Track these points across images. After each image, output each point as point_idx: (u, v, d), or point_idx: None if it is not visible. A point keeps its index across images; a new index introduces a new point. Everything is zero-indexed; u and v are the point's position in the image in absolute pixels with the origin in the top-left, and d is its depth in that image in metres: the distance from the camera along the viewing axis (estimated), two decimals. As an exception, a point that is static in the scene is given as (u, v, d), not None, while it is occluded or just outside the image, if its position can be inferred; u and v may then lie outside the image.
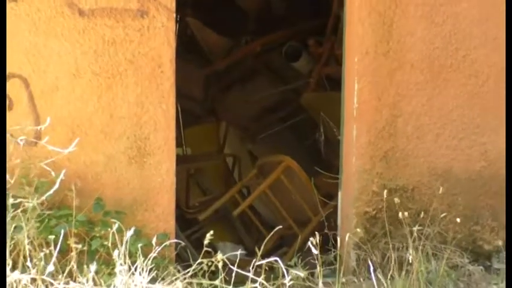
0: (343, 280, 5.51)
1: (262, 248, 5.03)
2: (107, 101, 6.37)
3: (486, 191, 6.57)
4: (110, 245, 4.88)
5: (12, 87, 6.31)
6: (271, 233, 5.36)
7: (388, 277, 5.28)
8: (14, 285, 4.52)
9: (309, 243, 5.28)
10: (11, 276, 4.54)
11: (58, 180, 5.19)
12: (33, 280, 4.56)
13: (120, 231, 4.92)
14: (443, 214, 6.13)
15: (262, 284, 4.81)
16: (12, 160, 5.33)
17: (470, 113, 6.69)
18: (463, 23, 6.67)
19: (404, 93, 6.68)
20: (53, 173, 5.31)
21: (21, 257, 4.70)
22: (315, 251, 5.17)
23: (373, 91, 6.67)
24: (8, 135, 5.83)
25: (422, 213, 6.01)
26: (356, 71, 6.69)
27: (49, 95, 6.33)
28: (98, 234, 5.54)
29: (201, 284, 4.96)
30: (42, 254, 4.69)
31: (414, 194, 6.40)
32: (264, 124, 8.28)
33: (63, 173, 5.32)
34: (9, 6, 6.29)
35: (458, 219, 6.19)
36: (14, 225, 4.94)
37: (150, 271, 4.79)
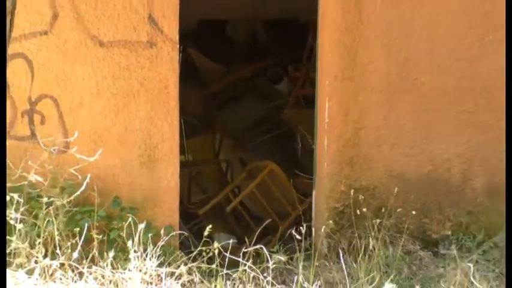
0: (317, 263, 5.48)
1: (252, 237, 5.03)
2: (123, 117, 6.35)
3: (433, 189, 6.55)
4: (125, 235, 4.84)
5: (45, 106, 6.30)
6: (260, 228, 5.34)
7: (354, 261, 5.23)
8: (46, 269, 4.45)
9: (290, 232, 5.28)
10: (43, 262, 4.50)
11: (84, 183, 5.16)
12: (62, 265, 4.53)
13: (133, 224, 4.88)
14: (399, 209, 6.13)
15: (250, 267, 4.80)
16: (46, 166, 5.28)
17: (420, 126, 6.66)
18: (414, 53, 6.64)
19: (366, 110, 6.66)
20: (79, 177, 5.28)
21: (52, 246, 4.65)
22: (298, 237, 5.19)
23: (340, 109, 6.65)
24: (42, 145, 5.80)
25: (382, 208, 5.97)
26: (327, 92, 6.67)
27: (75, 112, 6.31)
28: (115, 227, 5.55)
29: (201, 267, 4.93)
30: (69, 244, 4.67)
31: (375, 192, 6.38)
32: (252, 135, 8.27)
33: (89, 177, 5.30)
34: (41, 39, 6.25)
35: (411, 213, 6.19)
36: (46, 220, 4.90)
37: (158, 257, 4.78)
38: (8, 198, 4.80)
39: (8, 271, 5.01)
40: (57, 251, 4.56)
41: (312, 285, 4.99)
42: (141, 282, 4.57)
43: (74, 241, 4.71)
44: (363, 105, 6.67)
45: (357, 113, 6.67)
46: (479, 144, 6.66)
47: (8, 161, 4.95)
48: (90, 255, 4.76)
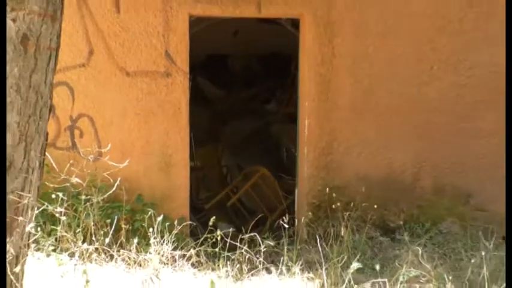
0: (299, 247, 5.48)
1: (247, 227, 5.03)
2: (145, 132, 6.38)
3: (391, 188, 6.56)
4: (146, 225, 4.84)
5: (83, 123, 6.34)
6: (253, 219, 5.35)
7: (328, 245, 5.23)
8: (84, 252, 4.44)
9: (278, 222, 5.28)
10: (82, 247, 4.49)
11: (115, 185, 5.17)
12: (96, 249, 4.52)
13: (153, 216, 4.88)
14: (363, 204, 6.11)
15: (246, 250, 4.79)
16: (84, 171, 5.28)
17: (380, 139, 6.67)
18: (375, 80, 6.65)
19: (337, 126, 6.67)
20: (111, 179, 5.28)
21: (89, 234, 4.64)
22: (286, 226, 5.18)
23: (317, 124, 6.66)
24: (81, 154, 5.80)
25: (351, 203, 5.97)
26: (306, 111, 6.69)
27: (107, 128, 6.32)
28: (138, 219, 5.56)
29: (206, 251, 4.91)
30: (102, 232, 4.65)
31: (345, 191, 6.37)
32: (247, 146, 8.27)
33: (118, 179, 5.30)
34: (80, 70, 6.27)
35: (374, 207, 6.18)
36: (84, 213, 4.90)
37: (173, 242, 4.76)
38: (53, 196, 4.81)
39: (54, 254, 5.02)
40: (93, 238, 4.55)
41: (295, 264, 4.99)
42: (159, 262, 4.57)
43: (106, 230, 4.71)
44: (335, 122, 6.68)
45: (330, 128, 6.68)
46: (427, 153, 6.68)
47: (54, 166, 4.97)
48: (119, 241, 4.76)
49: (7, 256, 4.03)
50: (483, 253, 4.92)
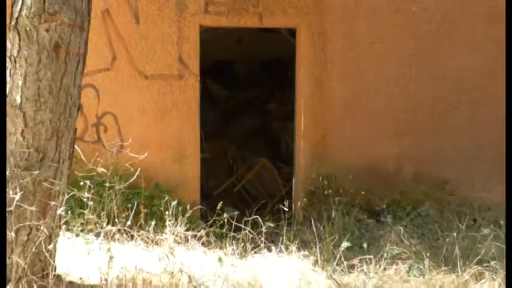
0: (295, 228, 5.48)
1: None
2: (161, 128, 6.39)
3: (376, 176, 6.55)
4: (162, 209, 4.83)
5: (107, 120, 6.36)
6: (256, 205, 5.35)
7: (321, 226, 5.24)
8: (108, 233, 4.45)
9: (277, 207, 5.28)
10: (106, 228, 4.50)
11: (136, 174, 5.17)
12: (119, 230, 4.51)
13: (168, 201, 4.86)
14: (352, 190, 6.12)
15: (249, 231, 4.79)
16: (108, 162, 5.29)
17: (367, 134, 6.66)
18: (363, 83, 6.65)
19: (329, 123, 6.67)
20: (131, 169, 5.28)
21: (112, 217, 4.65)
22: (284, 210, 5.17)
23: (311, 121, 6.66)
24: (105, 147, 5.81)
25: (341, 190, 5.97)
26: (302, 110, 6.68)
27: (128, 124, 6.33)
28: (156, 203, 5.56)
29: (215, 231, 4.91)
30: (124, 215, 4.65)
31: (336, 179, 6.35)
32: (250, 140, 8.28)
33: (138, 170, 5.31)
34: (105, 73, 6.30)
35: (361, 193, 6.18)
36: (108, 199, 4.90)
37: (185, 224, 4.75)
38: (81, 183, 4.82)
39: (82, 234, 5.04)
40: (116, 220, 4.55)
41: (292, 244, 5.00)
42: (173, 242, 4.57)
43: (127, 213, 4.68)
44: (327, 119, 6.68)
45: (323, 124, 6.68)
46: (407, 146, 6.67)
47: (82, 157, 4.97)
48: (138, 223, 4.74)
49: (41, 235, 4.06)
50: (456, 234, 4.94)
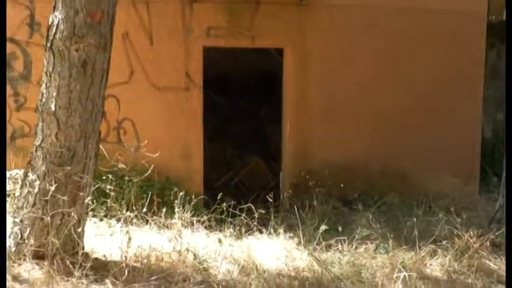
0: (283, 215, 5.48)
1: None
2: (171, 131, 6.39)
3: (350, 171, 6.53)
4: (172, 199, 4.83)
5: (126, 124, 6.37)
6: (250, 196, 5.32)
7: (304, 213, 5.23)
8: (127, 218, 4.45)
9: (267, 197, 5.27)
10: (125, 214, 4.50)
11: (150, 169, 5.15)
12: (136, 216, 4.51)
13: (177, 192, 4.85)
14: (330, 183, 6.08)
15: (244, 217, 4.77)
16: (127, 159, 5.27)
17: (341, 135, 6.69)
18: (337, 93, 6.68)
19: (310, 125, 6.69)
20: (146, 165, 5.28)
21: (130, 205, 4.64)
22: (274, 199, 5.15)
23: (295, 125, 6.65)
24: (125, 147, 5.79)
25: (320, 182, 5.96)
26: (288, 116, 6.71)
27: (144, 128, 6.32)
28: (166, 194, 5.49)
29: (216, 217, 4.90)
30: (140, 204, 4.63)
31: (317, 173, 6.28)
32: (246, 141, 8.24)
33: (152, 166, 5.29)
34: (124, 86, 6.28)
35: (338, 185, 6.16)
36: (127, 190, 4.89)
37: (191, 211, 4.75)
38: (105, 177, 4.82)
39: (105, 219, 5.04)
40: (133, 208, 4.55)
41: (280, 227, 5.01)
42: (181, 226, 4.58)
43: (142, 202, 4.64)
44: (308, 124, 6.70)
45: (305, 128, 6.69)
46: (375, 145, 6.69)
47: (106, 155, 4.94)
48: (152, 210, 4.70)
49: (71, 220, 4.07)
50: (415, 219, 4.98)
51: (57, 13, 4.05)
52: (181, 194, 4.76)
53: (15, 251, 4.13)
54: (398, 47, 6.72)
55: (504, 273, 4.37)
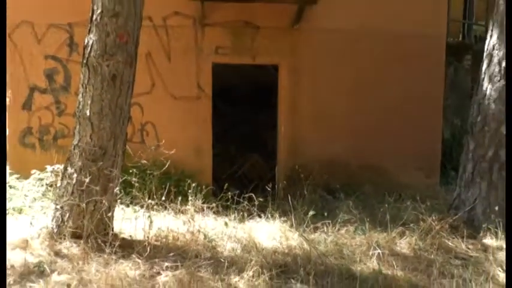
0: (278, 202, 5.45)
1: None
2: (185, 133, 6.40)
3: (329, 166, 6.45)
4: (186, 189, 4.82)
5: (148, 127, 6.42)
6: (251, 186, 5.30)
7: (296, 200, 5.21)
8: (149, 205, 4.44)
9: (266, 187, 5.26)
10: (147, 202, 4.48)
11: (167, 164, 5.14)
12: (156, 203, 4.50)
13: (190, 183, 4.85)
14: (317, 175, 6.05)
15: (247, 204, 4.77)
16: (149, 156, 5.26)
17: (328, 136, 6.63)
18: (324, 101, 6.65)
19: (301, 129, 6.67)
20: (165, 161, 5.27)
21: (151, 194, 4.63)
22: (270, 189, 5.19)
23: (289, 129, 6.67)
24: (147, 146, 5.77)
25: (310, 175, 5.94)
26: (282, 121, 6.71)
27: (163, 130, 6.35)
28: (181, 185, 5.42)
29: (222, 204, 4.88)
30: (159, 193, 4.62)
31: (307, 167, 6.21)
32: (247, 141, 8.23)
33: (169, 161, 5.28)
34: (146, 95, 6.30)
35: (324, 177, 6.16)
36: (149, 181, 4.87)
37: (202, 199, 4.75)
38: (130, 171, 4.81)
39: (131, 206, 5.03)
40: (154, 196, 4.55)
41: (276, 213, 4.99)
42: (194, 211, 4.58)
43: (161, 192, 4.64)
44: (299, 127, 6.68)
45: (297, 131, 6.68)
46: (355, 145, 6.65)
47: (131, 153, 4.92)
48: (170, 198, 4.69)
49: (103, 207, 4.06)
50: (387, 205, 4.99)
51: (91, 35, 4.05)
52: (193, 185, 4.77)
53: (56, 231, 4.14)
54: (374, 64, 6.70)
55: (461, 250, 4.39)
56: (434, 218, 4.58)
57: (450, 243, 4.47)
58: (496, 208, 4.79)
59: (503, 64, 4.80)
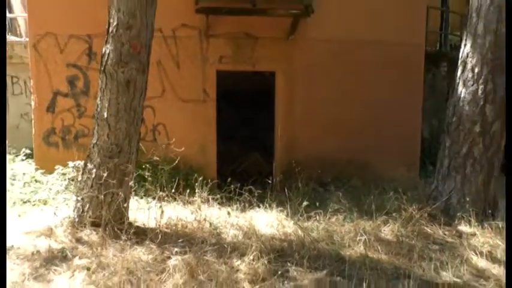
0: (275, 194, 5.43)
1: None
2: (193, 132, 6.38)
3: (322, 161, 6.39)
4: (193, 182, 4.82)
5: (160, 127, 6.39)
6: (251, 180, 5.30)
7: (291, 192, 5.21)
8: (160, 197, 4.43)
9: (264, 180, 5.24)
10: (159, 194, 4.47)
11: (177, 160, 5.14)
12: (166, 195, 4.50)
13: (197, 177, 4.86)
14: (310, 170, 5.97)
15: (247, 195, 4.75)
16: (160, 153, 5.25)
17: (319, 135, 6.63)
18: (315, 104, 6.65)
19: (295, 129, 6.67)
20: (174, 157, 5.27)
21: (162, 187, 4.63)
22: (269, 182, 5.17)
23: (284, 129, 6.65)
24: (159, 144, 5.76)
25: (303, 170, 5.91)
26: (279, 122, 6.69)
27: (173, 130, 6.33)
28: (190, 179, 5.39)
29: (226, 196, 4.85)
30: (170, 186, 4.59)
31: (300, 163, 6.13)
32: (247, 140, 8.22)
33: (179, 158, 5.28)
34: (158, 99, 6.25)
35: (316, 171, 6.08)
36: (160, 176, 4.85)
37: (207, 191, 4.74)
38: (144, 166, 4.81)
39: (144, 197, 5.03)
40: (165, 189, 4.55)
41: (273, 203, 4.98)
42: (200, 202, 4.57)
43: (171, 185, 4.63)
44: (294, 127, 6.67)
45: (291, 131, 6.66)
46: (344, 143, 6.63)
47: (144, 150, 4.88)
48: (179, 191, 4.69)
49: (119, 198, 4.06)
50: (372, 196, 4.98)
51: (108, 45, 4.05)
52: (200, 178, 4.77)
53: (77, 221, 4.14)
54: (360, 70, 6.70)
55: (438, 236, 4.40)
56: (414, 207, 4.58)
57: (429, 230, 4.47)
58: (469, 199, 4.80)
59: (476, 70, 4.81)
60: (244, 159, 7.95)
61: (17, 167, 6.15)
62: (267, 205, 4.95)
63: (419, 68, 6.93)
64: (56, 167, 5.67)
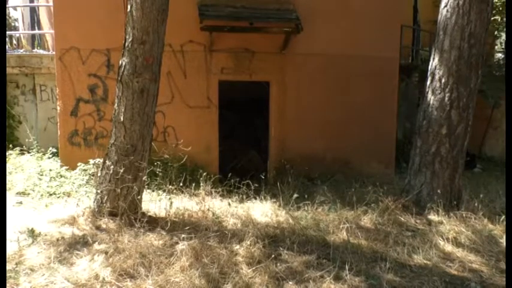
0: (269, 187, 5.44)
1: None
2: (198, 133, 6.32)
3: (312, 159, 6.44)
4: (198, 177, 4.80)
5: (170, 129, 6.32)
6: (249, 175, 5.28)
7: (284, 186, 5.19)
8: (169, 189, 4.40)
9: (260, 175, 5.22)
10: (168, 187, 4.45)
11: (184, 158, 5.11)
12: (175, 188, 4.49)
13: (201, 173, 4.84)
14: (300, 167, 6.03)
15: (245, 189, 4.75)
16: (170, 152, 5.22)
17: (310, 135, 6.59)
18: (306, 108, 6.62)
19: (287, 130, 6.64)
20: (182, 156, 5.24)
21: (171, 181, 4.61)
22: (263, 177, 5.14)
23: (278, 130, 6.62)
24: (169, 144, 5.72)
25: (293, 167, 5.84)
26: (273, 123, 6.65)
27: (181, 131, 6.27)
28: (195, 174, 5.40)
29: (227, 189, 4.84)
30: (178, 180, 4.51)
31: (291, 161, 6.23)
32: (245, 140, 8.19)
33: (186, 156, 5.25)
34: (167, 105, 6.19)
35: (303, 168, 6.12)
36: (170, 172, 4.84)
37: (211, 185, 4.72)
38: (155, 163, 4.78)
39: (156, 190, 5.00)
40: (174, 183, 4.55)
41: (268, 195, 4.98)
42: (204, 194, 4.56)
43: (180, 179, 4.64)
44: (286, 129, 6.63)
45: (285, 131, 6.62)
46: (329, 143, 6.63)
47: (156, 149, 4.86)
48: (186, 185, 4.69)
49: (134, 191, 4.04)
50: (353, 190, 4.98)
51: (124, 58, 4.03)
52: (204, 174, 4.76)
53: (97, 211, 4.12)
54: (343, 80, 6.70)
55: (411, 224, 4.40)
56: (390, 199, 4.60)
57: (402, 219, 4.48)
58: (437, 192, 4.81)
59: (443, 80, 4.83)
60: (242, 157, 7.93)
61: (44, 164, 6.13)
62: (262, 197, 4.94)
63: (394, 78, 6.94)
64: (79, 164, 5.66)
